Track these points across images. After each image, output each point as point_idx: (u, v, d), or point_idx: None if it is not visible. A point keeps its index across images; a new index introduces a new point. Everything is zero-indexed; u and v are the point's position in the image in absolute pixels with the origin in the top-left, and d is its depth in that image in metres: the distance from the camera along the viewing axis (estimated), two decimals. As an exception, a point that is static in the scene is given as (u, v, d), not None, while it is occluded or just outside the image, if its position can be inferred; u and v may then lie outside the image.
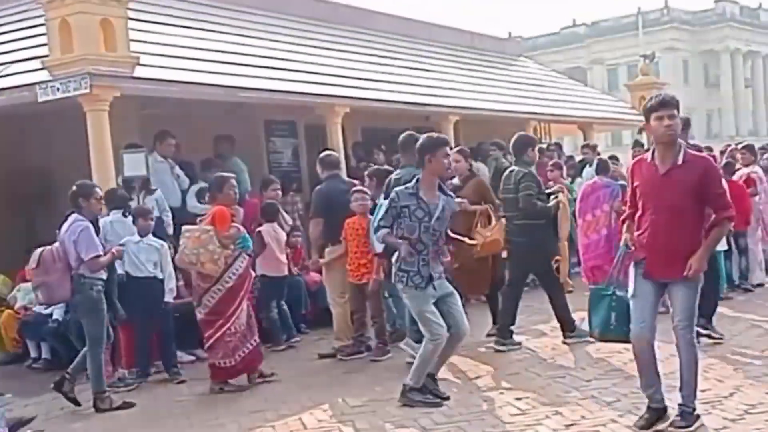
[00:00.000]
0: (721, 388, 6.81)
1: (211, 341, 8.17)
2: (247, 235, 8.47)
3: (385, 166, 10.86)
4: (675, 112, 5.77)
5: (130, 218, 9.16)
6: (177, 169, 10.96)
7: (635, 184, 6.02)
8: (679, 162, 5.78)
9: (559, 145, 17.92)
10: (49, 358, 10.16)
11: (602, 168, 10.99)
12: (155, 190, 10.22)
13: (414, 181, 7.15)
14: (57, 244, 7.91)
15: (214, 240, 7.98)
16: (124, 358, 9.13)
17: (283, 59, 13.36)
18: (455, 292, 7.32)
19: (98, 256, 7.81)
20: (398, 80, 15.27)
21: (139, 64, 10.12)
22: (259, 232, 10.00)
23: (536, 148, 9.75)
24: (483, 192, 9.43)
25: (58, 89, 9.69)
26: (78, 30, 9.60)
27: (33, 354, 10.42)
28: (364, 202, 9.20)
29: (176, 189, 10.86)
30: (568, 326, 9.04)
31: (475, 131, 16.31)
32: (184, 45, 11.90)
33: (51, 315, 9.99)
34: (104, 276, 8.01)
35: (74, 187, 8.02)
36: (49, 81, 9.76)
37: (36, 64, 10.25)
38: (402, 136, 8.63)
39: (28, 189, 12.16)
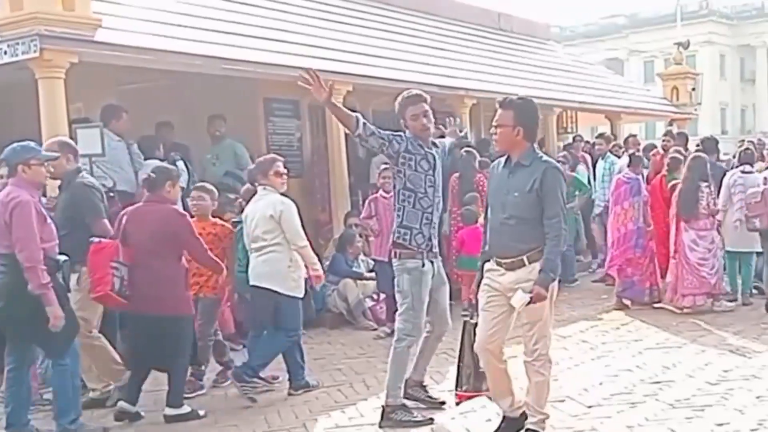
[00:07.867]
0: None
1: None
2: None
3: None
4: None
5: None
6: (134, 148, 9.68)
7: None
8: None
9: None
10: None
11: (631, 162, 11.14)
12: None
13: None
14: None
15: None
16: None
17: (281, 30, 11.99)
18: (447, 282, 6.45)
19: None
20: (410, 59, 13.83)
21: (101, 26, 8.78)
22: None
23: None
24: None
25: (5, 52, 8.45)
26: (27, -16, 8.25)
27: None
28: (200, 202, 7.84)
29: (131, 172, 9.54)
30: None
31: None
32: (159, 8, 10.45)
33: None
34: None
35: None
36: (-4, 43, 8.52)
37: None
38: None
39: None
